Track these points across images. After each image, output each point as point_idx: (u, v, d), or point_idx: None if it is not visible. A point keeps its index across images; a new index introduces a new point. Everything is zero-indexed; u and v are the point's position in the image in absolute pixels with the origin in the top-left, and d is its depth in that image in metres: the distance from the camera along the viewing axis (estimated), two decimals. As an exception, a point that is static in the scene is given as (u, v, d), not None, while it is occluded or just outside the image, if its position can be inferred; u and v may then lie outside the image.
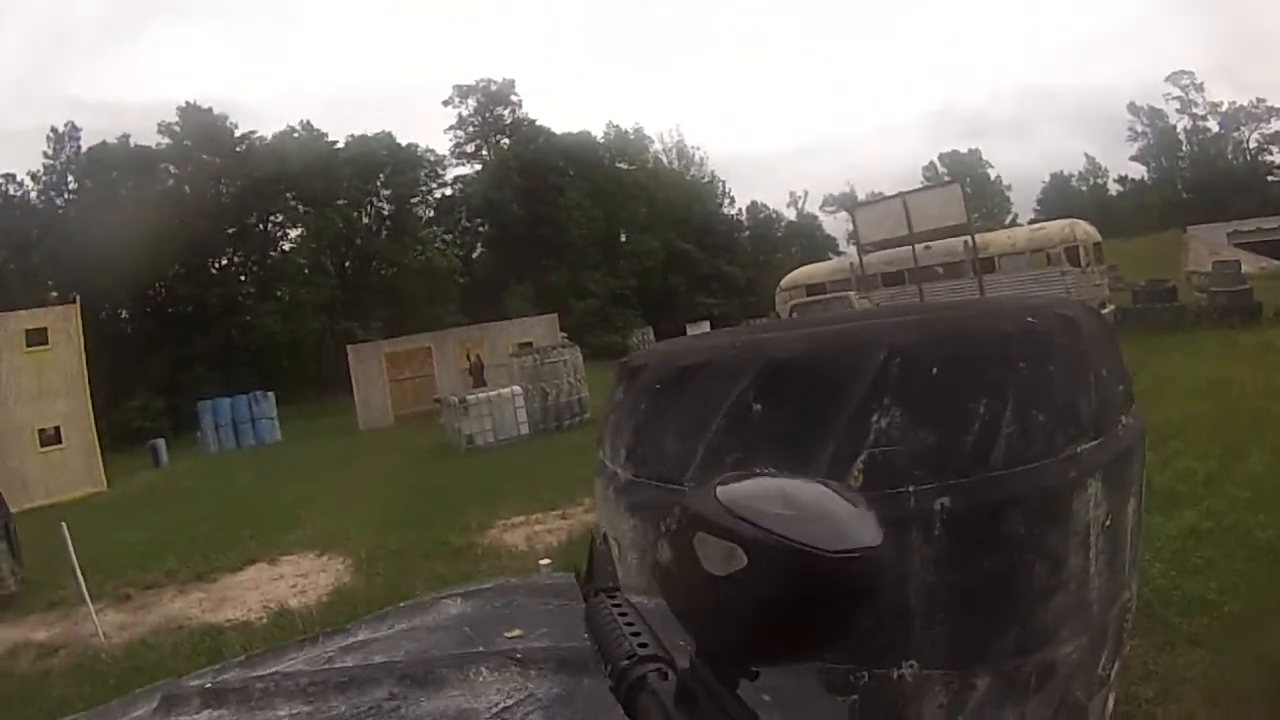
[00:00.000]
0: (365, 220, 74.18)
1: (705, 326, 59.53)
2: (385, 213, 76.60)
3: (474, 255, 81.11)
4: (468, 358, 34.69)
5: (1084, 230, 35.25)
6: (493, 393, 26.26)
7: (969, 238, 34.37)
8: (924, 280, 34.62)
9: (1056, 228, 36.69)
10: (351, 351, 44.27)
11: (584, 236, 74.31)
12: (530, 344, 36.37)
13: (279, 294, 65.02)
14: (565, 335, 43.14)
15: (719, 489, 1.18)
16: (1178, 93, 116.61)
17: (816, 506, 1.17)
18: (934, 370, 2.87)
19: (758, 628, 1.12)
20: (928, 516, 2.75)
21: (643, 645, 1.20)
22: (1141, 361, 21.50)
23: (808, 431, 2.90)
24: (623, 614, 1.30)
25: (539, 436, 25.73)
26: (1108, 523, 3.13)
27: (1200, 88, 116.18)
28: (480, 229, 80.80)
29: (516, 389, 26.49)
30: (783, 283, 40.98)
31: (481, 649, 2.08)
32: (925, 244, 35.26)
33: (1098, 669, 3.32)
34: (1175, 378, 19.63)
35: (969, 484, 2.79)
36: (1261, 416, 14.67)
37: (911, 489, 2.76)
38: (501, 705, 1.85)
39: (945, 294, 33.58)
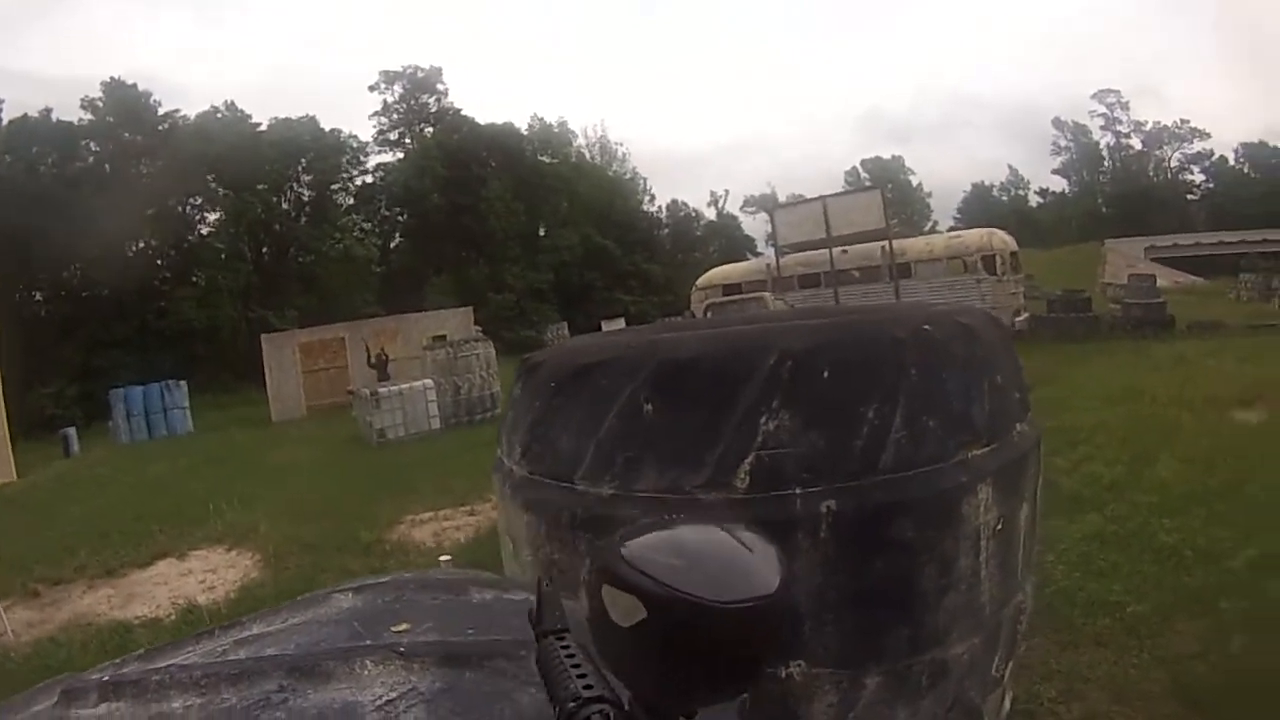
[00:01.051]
0: (285, 206, 71.01)
1: (620, 323, 59.30)
2: (305, 199, 73.60)
3: (393, 245, 79.09)
4: (369, 351, 34.11)
5: (1001, 239, 35.34)
6: (404, 386, 25.86)
7: (886, 243, 34.52)
8: (840, 284, 34.58)
9: (974, 236, 36.79)
10: (266, 341, 42.84)
11: (504, 229, 72.77)
12: (444, 337, 36.03)
13: (195, 279, 63.03)
14: (480, 329, 42.54)
15: (623, 542, 1.21)
16: (1103, 110, 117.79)
17: (712, 556, 1.20)
18: (825, 374, 2.88)
19: (667, 675, 1.15)
20: (814, 519, 2.77)
21: (588, 687, 1.21)
22: (1054, 369, 21.79)
23: (697, 433, 2.91)
24: (570, 655, 1.30)
25: (450, 430, 25.33)
26: (999, 527, 3.17)
27: (1125, 106, 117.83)
28: (400, 218, 78.75)
29: (428, 382, 26.07)
30: (699, 282, 40.84)
31: (368, 642, 2.07)
32: (843, 248, 35.38)
33: (991, 669, 3.37)
34: (1087, 385, 19.87)
35: (857, 487, 2.81)
36: (1171, 426, 14.86)
37: (798, 491, 2.78)
38: (385, 698, 1.84)
39: (860, 298, 33.55)
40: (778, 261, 37.21)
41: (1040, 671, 6.68)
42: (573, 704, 1.18)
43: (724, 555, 1.21)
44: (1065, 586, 8.19)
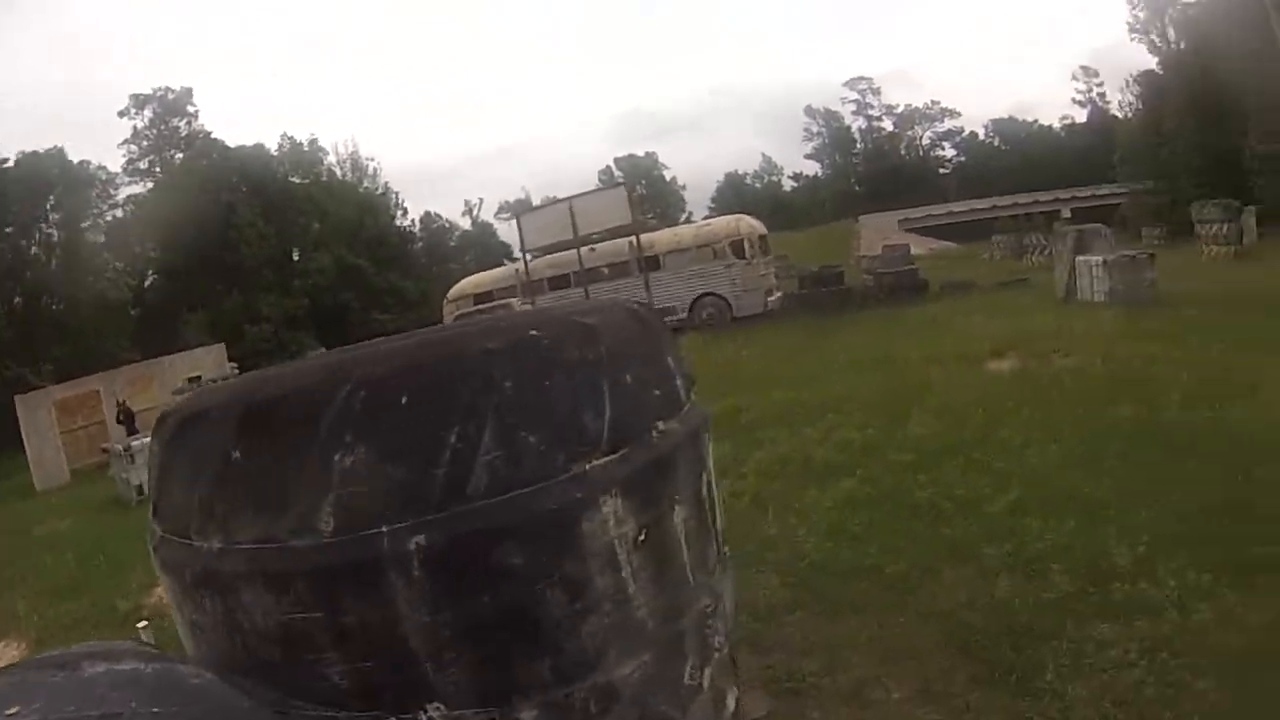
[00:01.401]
0: (35, 250, 66.42)
1: None
2: (55, 240, 68.16)
3: (147, 283, 75.08)
4: (118, 404, 32.67)
5: (748, 224, 35.95)
6: (158, 439, 24.91)
7: (634, 238, 34.80)
8: (590, 282, 34.65)
9: (721, 223, 37.53)
10: (20, 403, 38.47)
11: (256, 257, 69.95)
12: (199, 378, 34.62)
13: None
14: (235, 365, 41.88)
15: None
16: (855, 96, 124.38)
17: None
18: (403, 400, 2.67)
19: None
20: (404, 557, 2.55)
21: None
22: (805, 343, 22.16)
23: (281, 477, 2.69)
24: None
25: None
26: (642, 538, 2.98)
27: (877, 92, 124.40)
28: (152, 254, 74.49)
29: (183, 430, 25.16)
30: (450, 293, 40.43)
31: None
32: (591, 246, 35.48)
33: (684, 679, 3.19)
34: (838, 356, 20.14)
35: (445, 518, 2.60)
36: (923, 385, 15.10)
37: (385, 529, 2.56)
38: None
39: (611, 294, 32.90)
40: (526, 265, 36.99)
41: (800, 647, 6.64)
42: None
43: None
44: (818, 559, 8.12)
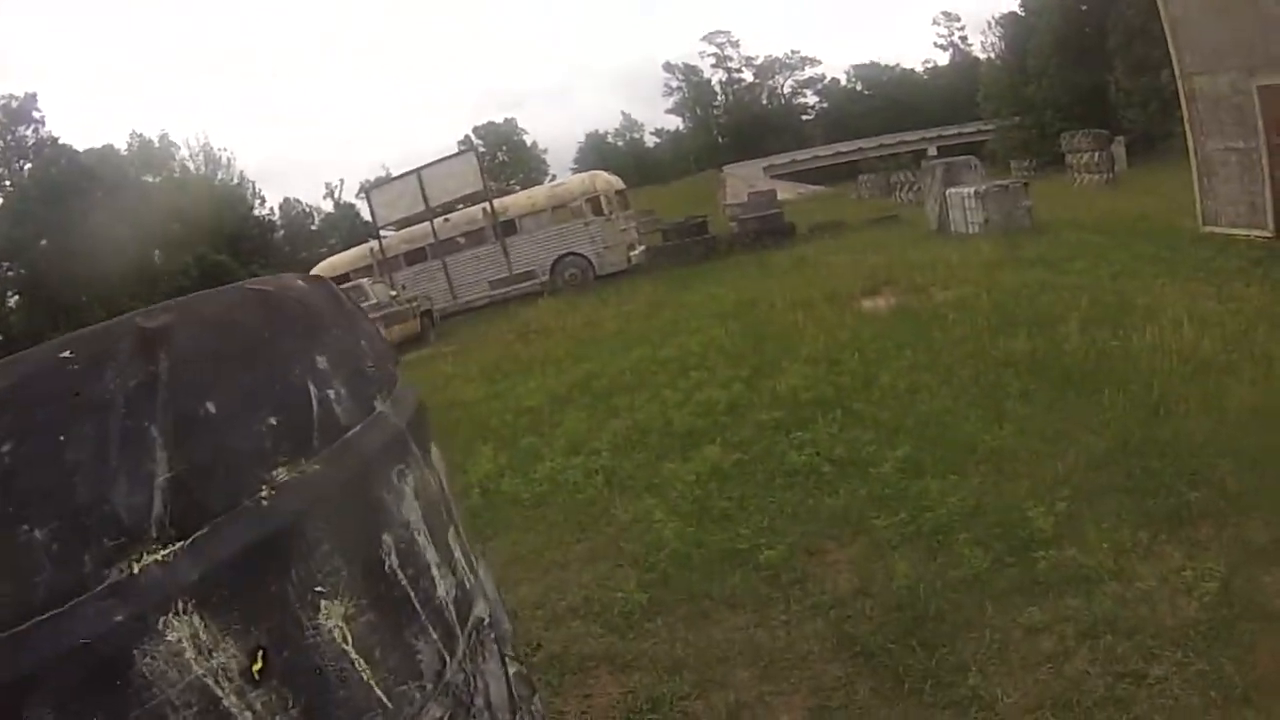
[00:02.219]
0: None
1: None
2: None
3: (10, 305, 70.79)
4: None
5: (604, 180, 35.03)
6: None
7: (488, 204, 33.76)
8: (447, 253, 33.99)
9: (576, 181, 36.49)
10: None
11: (116, 264, 67.51)
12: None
13: None
14: None
15: None
16: (714, 50, 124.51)
17: None
18: None
19: None
20: None
21: None
22: (665, 296, 21.14)
23: None
24: None
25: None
26: (259, 667, 1.72)
27: (736, 44, 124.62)
28: (9, 274, 69.75)
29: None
30: (308, 278, 38.11)
31: None
32: (445, 216, 34.47)
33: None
34: (701, 306, 19.18)
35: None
36: (791, 330, 13.94)
37: None
38: None
39: (470, 263, 33.73)
40: (380, 242, 35.74)
41: (665, 662, 5.39)
42: None
43: None
44: (680, 548, 6.78)
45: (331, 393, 2.26)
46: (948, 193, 23.98)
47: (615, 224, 32.90)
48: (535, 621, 6.12)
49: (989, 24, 76.21)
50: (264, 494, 1.92)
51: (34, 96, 73.94)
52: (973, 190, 22.60)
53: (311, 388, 2.21)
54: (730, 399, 10.57)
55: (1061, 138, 41.72)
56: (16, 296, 71.48)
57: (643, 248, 34.49)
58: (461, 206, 34.69)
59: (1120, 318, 10.76)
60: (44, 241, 66.57)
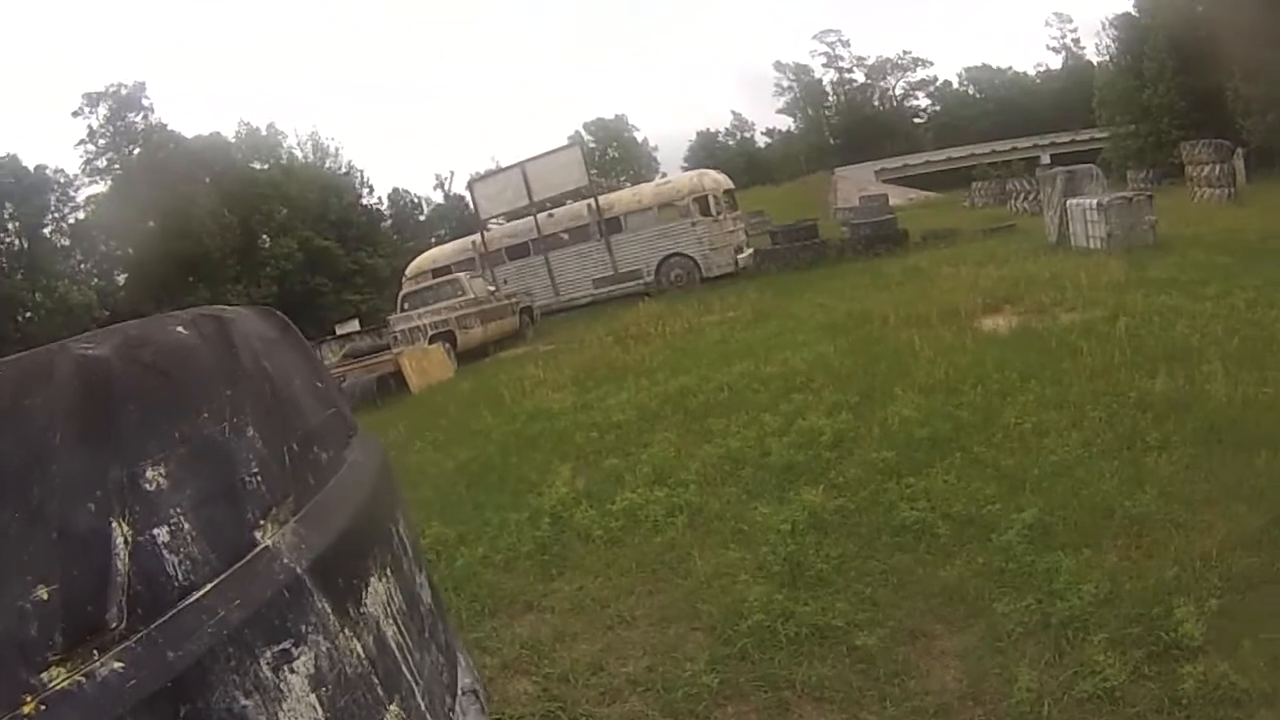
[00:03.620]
0: None
1: (354, 325, 57.08)
2: (16, 249, 67.23)
3: (119, 281, 72.85)
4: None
5: (713, 179, 34.12)
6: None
7: (593, 200, 33.27)
8: (550, 249, 33.61)
9: (684, 179, 35.69)
10: None
11: (220, 247, 68.48)
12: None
13: None
14: None
15: None
16: (824, 49, 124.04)
17: None
18: None
19: None
20: None
21: None
22: (772, 303, 20.26)
23: None
24: None
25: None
26: None
27: (847, 44, 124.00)
28: (117, 253, 72.28)
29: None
30: (409, 270, 38.23)
31: None
32: (549, 211, 34.11)
33: None
34: (809, 316, 18.05)
35: None
36: (905, 350, 12.64)
37: None
38: None
39: (573, 260, 33.25)
40: (482, 236, 35.39)
41: None
42: None
43: None
44: (764, 619, 5.64)
45: (164, 531, 1.37)
46: (1069, 204, 22.75)
47: (723, 225, 32.13)
48: (589, 690, 5.27)
49: (1102, 25, 73.68)
50: (26, 712, 1.08)
51: (143, 85, 75.31)
52: (1095, 202, 21.29)
53: (119, 528, 1.32)
54: (836, 430, 9.36)
55: (1181, 147, 40.01)
56: (124, 275, 73.19)
57: (751, 250, 33.46)
58: (567, 202, 34.16)
59: (1265, 356, 9.44)
60: (151, 223, 67.52)
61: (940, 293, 17.51)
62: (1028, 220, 33.19)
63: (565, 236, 33.80)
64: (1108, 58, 73.28)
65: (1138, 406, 8.46)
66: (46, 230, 69.60)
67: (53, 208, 70.69)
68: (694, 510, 7.86)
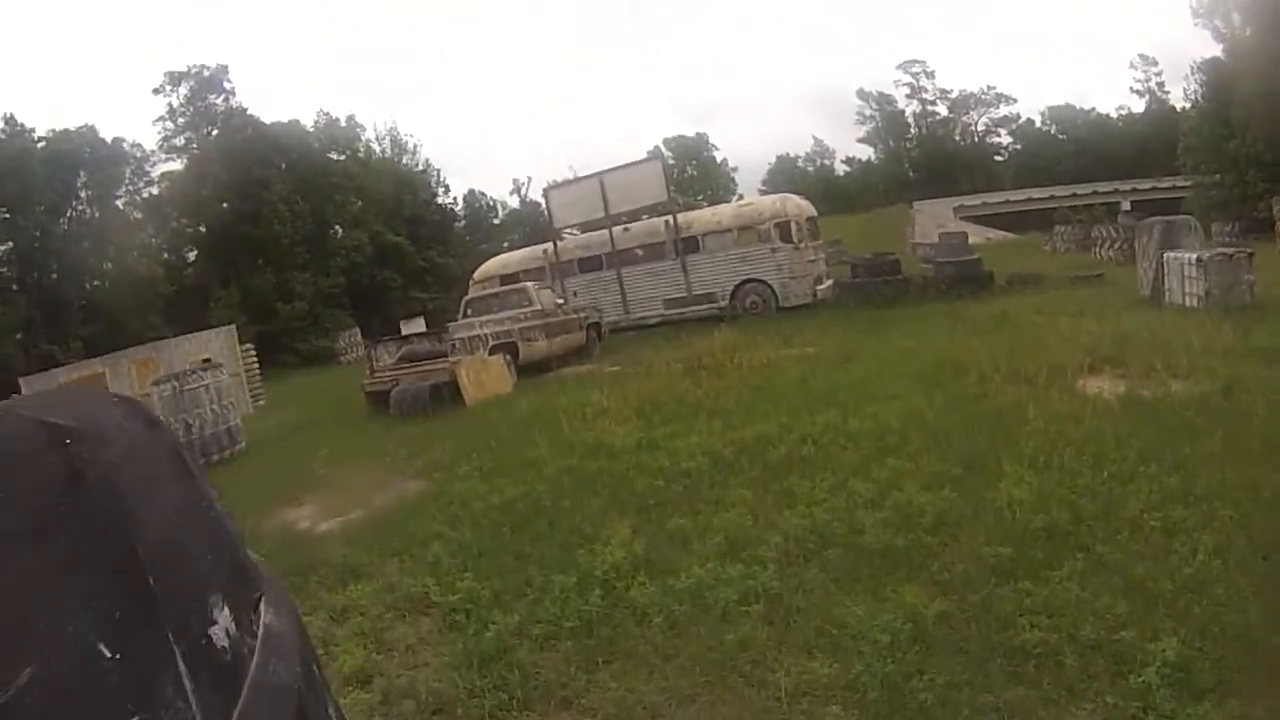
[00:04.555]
0: (66, 227, 65.52)
1: (419, 322, 56.59)
2: (87, 217, 68.11)
3: (188, 258, 73.78)
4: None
5: (796, 204, 32.86)
6: (124, 432, 21.92)
7: (671, 217, 32.16)
8: (623, 264, 32.55)
9: (767, 203, 34.20)
10: (25, 384, 37.62)
11: (290, 234, 69.05)
12: (209, 360, 31.83)
13: None
14: (252, 347, 39.43)
15: None
16: (908, 79, 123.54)
17: None
18: None
19: None
20: None
21: None
22: (857, 342, 19.32)
23: None
24: None
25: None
26: None
27: (931, 75, 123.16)
28: (187, 230, 73.01)
29: (154, 425, 22.12)
30: (476, 274, 37.33)
31: None
32: (624, 225, 33.06)
33: None
34: (896, 360, 16.75)
35: None
36: (1009, 411, 11.34)
37: None
38: None
39: (646, 278, 32.26)
40: (555, 246, 34.44)
41: None
42: None
43: None
44: None
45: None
46: (1166, 256, 21.37)
47: (804, 253, 30.88)
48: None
49: (1190, 70, 71.15)
50: None
51: (226, 68, 76.05)
52: (1195, 257, 19.98)
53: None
54: (938, 509, 8.04)
55: (1275, 201, 38.54)
56: (193, 253, 73.92)
57: (830, 282, 32.25)
58: (643, 217, 33.14)
59: None
60: (224, 204, 68.39)
61: (1033, 345, 16.16)
62: (1115, 269, 32.11)
63: (640, 252, 32.78)
64: (1193, 103, 70.90)
65: (1272, 506, 7.23)
66: (119, 202, 70.52)
67: (127, 180, 71.71)
68: (773, 599, 6.61)
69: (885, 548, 7.37)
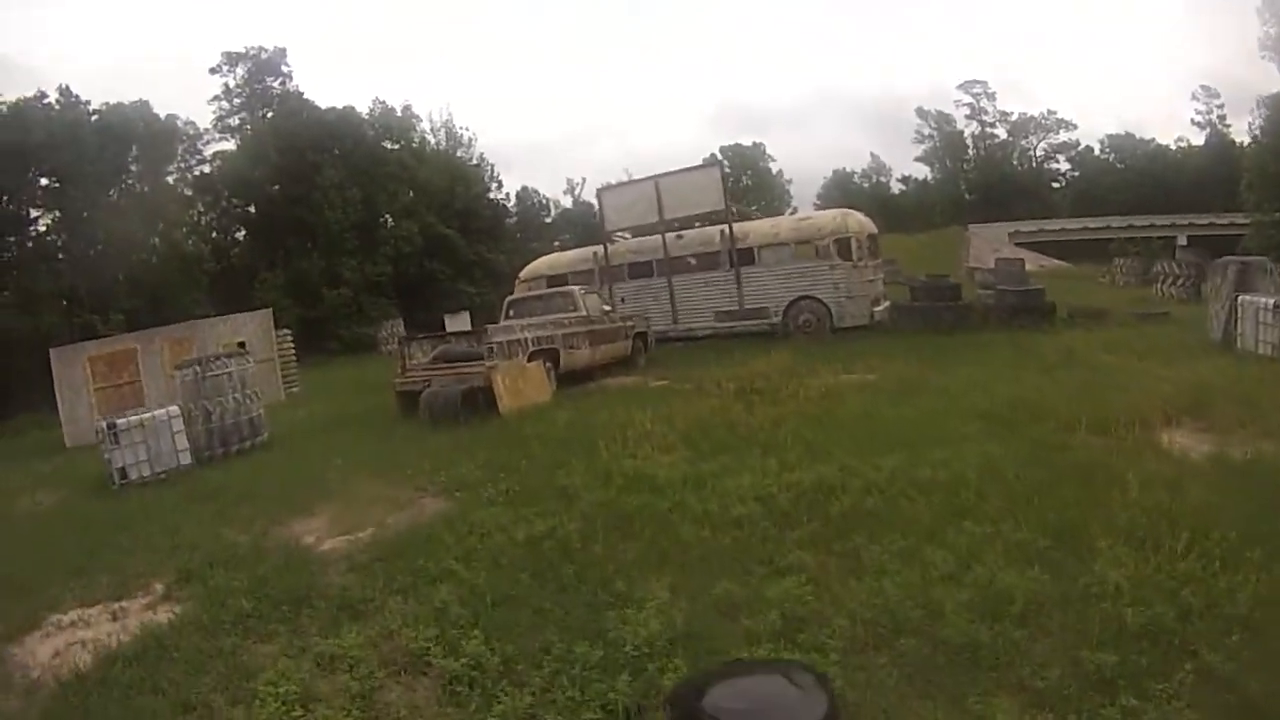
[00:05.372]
0: (115, 199, 63.71)
1: (464, 317, 56.07)
2: (137, 191, 66.49)
3: (238, 238, 74.14)
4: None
5: (857, 221, 31.37)
6: (145, 415, 21.05)
7: (726, 226, 30.86)
8: (675, 272, 31.31)
9: (827, 217, 32.67)
10: (54, 356, 35.73)
11: (340, 220, 68.47)
12: (244, 344, 31.63)
13: (15, 284, 57.19)
14: (289, 333, 39.12)
15: (699, 689, 2.05)
16: (968, 100, 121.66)
17: (773, 699, 2.00)
18: None
19: None
20: None
21: None
22: (922, 373, 18.16)
23: None
24: None
25: (201, 467, 20.49)
26: None
27: (992, 97, 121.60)
28: (237, 210, 73.47)
29: (173, 409, 21.12)
30: (523, 273, 36.47)
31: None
32: (678, 232, 31.85)
33: None
34: (964, 396, 15.39)
35: None
36: (1095, 469, 10.05)
37: None
38: None
39: (698, 288, 31.07)
40: (606, 249, 33.28)
41: None
42: None
43: (781, 697, 1.95)
44: None
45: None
46: (1240, 299, 20.04)
47: (863, 272, 29.48)
48: None
49: (1255, 104, 68.96)
50: None
51: (283, 51, 76.75)
52: (1273, 303, 18.62)
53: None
54: (1026, 592, 6.85)
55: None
56: (242, 233, 74.41)
57: (887, 303, 30.84)
58: (698, 224, 32.04)
59: None
60: (275, 186, 68.68)
61: (1106, 387, 15.12)
62: (1178, 308, 31.05)
63: (692, 261, 31.60)
64: (1254, 138, 69.29)
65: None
66: (170, 178, 70.13)
67: (179, 158, 71.48)
68: (839, 705, 5.42)
69: (969, 641, 6.29)
